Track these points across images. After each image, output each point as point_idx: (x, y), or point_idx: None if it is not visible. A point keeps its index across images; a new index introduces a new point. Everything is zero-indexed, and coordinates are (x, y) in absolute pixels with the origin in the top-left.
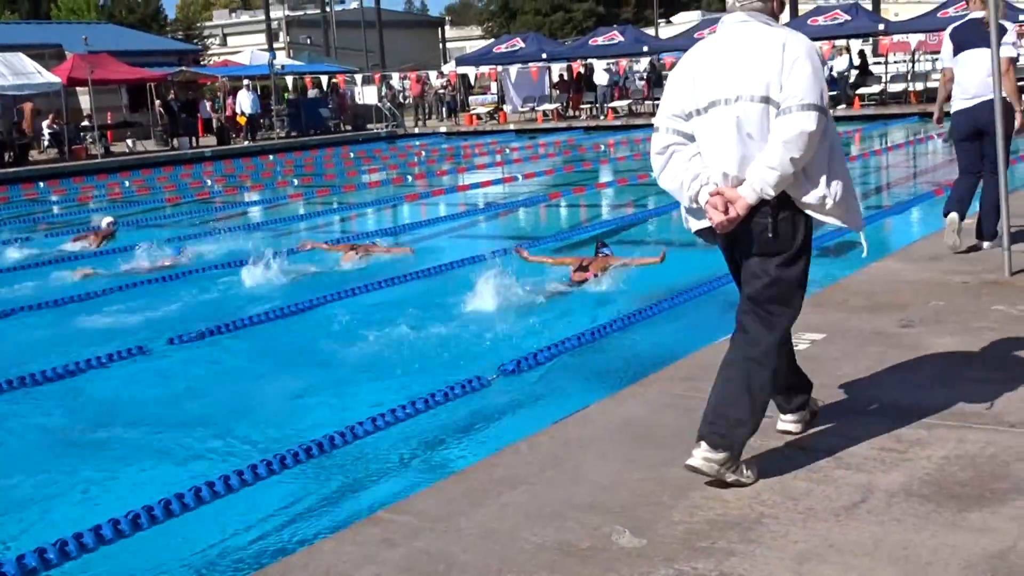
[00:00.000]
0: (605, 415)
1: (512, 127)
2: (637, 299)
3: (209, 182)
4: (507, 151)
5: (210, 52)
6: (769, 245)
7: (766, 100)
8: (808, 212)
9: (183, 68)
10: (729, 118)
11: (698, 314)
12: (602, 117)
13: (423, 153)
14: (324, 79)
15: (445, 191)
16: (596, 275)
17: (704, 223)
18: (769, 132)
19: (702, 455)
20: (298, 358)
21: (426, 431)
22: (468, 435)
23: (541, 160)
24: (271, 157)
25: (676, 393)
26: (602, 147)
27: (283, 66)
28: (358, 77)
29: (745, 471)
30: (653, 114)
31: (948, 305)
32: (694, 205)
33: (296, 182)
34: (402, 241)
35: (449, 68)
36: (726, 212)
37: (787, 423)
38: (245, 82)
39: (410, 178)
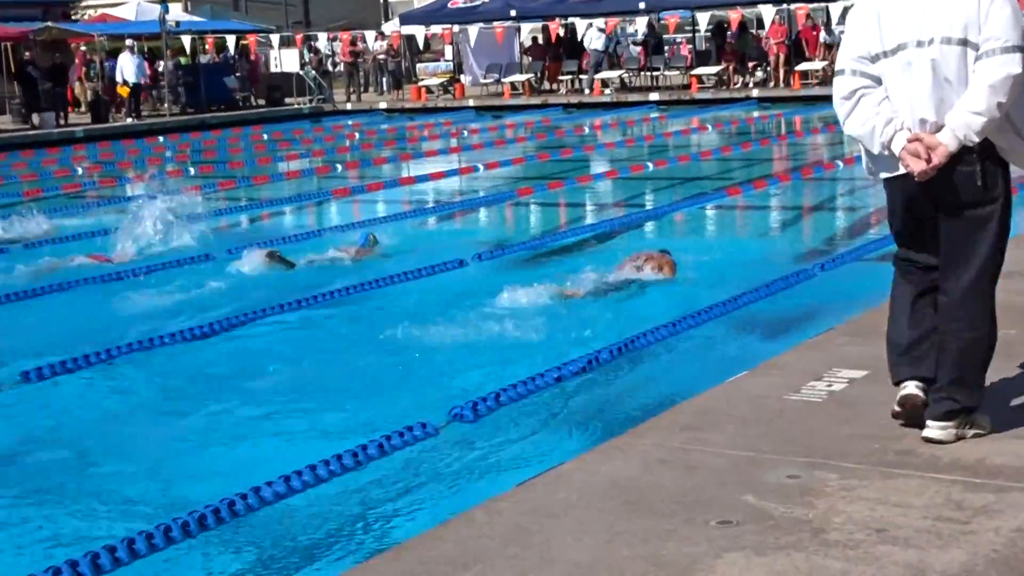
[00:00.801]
0: (585, 474)
1: (471, 103)
2: (632, 323)
3: (80, 170)
4: (465, 134)
5: (84, 3)
6: (976, 194)
7: (964, 43)
8: (1008, 159)
9: (48, 24)
10: (924, 61)
11: (705, 345)
12: (587, 92)
13: (357, 136)
14: (231, 40)
15: (384, 185)
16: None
17: (896, 171)
18: (968, 76)
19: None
20: (192, 395)
21: (355, 493)
22: (409, 499)
23: (508, 146)
24: (161, 139)
25: (675, 446)
26: (586, 130)
27: (178, 23)
28: (274, 38)
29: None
30: (652, 88)
31: (1020, 335)
32: (886, 152)
33: (193, 171)
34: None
35: (391, 27)
36: (927, 160)
37: (933, 429)
38: (128, 42)
39: (340, 168)
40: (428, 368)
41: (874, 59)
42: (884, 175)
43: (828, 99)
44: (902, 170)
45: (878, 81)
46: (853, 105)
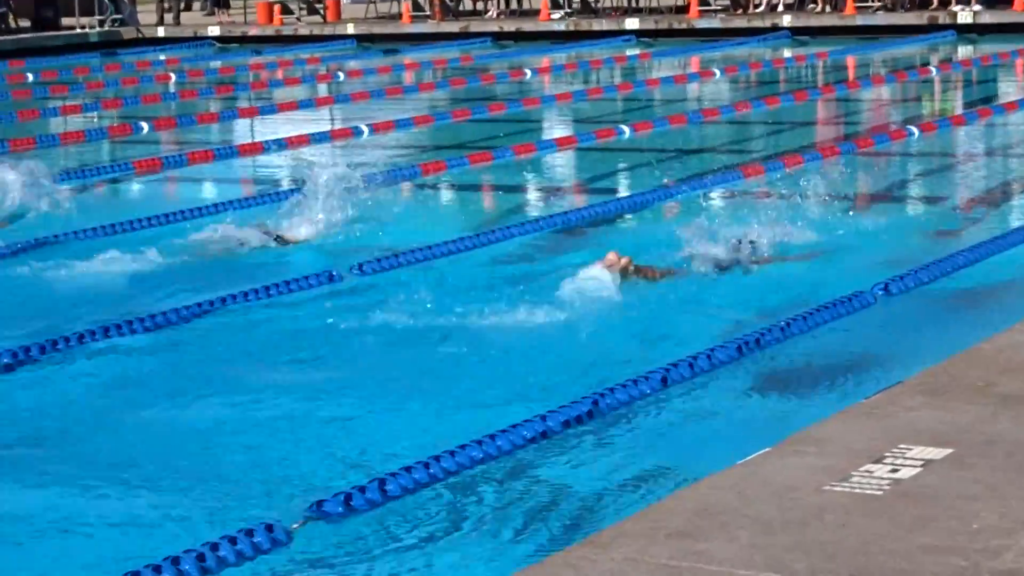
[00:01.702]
0: None
1: (351, 30)
2: (597, 365)
3: None
4: (341, 78)
5: None
6: None
7: None
8: None
9: None
10: None
11: (706, 403)
12: (529, 14)
13: (173, 78)
14: None
15: (215, 155)
16: None
17: None
18: None
19: None
20: None
21: None
22: None
23: (408, 98)
24: None
25: (659, 563)
26: (528, 74)
27: None
28: None
29: None
30: (630, 10)
31: None
32: None
33: None
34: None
35: None
36: None
37: None
38: None
39: (145, 127)
40: (280, 443)
41: None
42: None
43: (896, 31)
44: None
45: None
46: None
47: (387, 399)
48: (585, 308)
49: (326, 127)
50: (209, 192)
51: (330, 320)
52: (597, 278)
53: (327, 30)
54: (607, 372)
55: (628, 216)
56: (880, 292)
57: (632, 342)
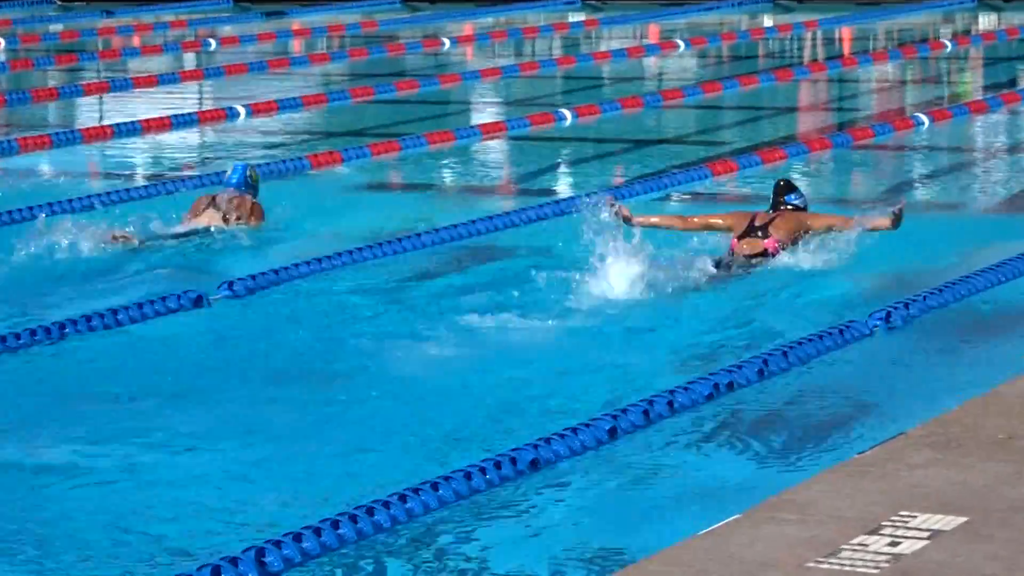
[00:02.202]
0: None
1: None
2: (495, 414)
3: None
4: (212, 46)
5: None
6: None
7: None
8: None
9: None
10: None
11: (654, 455)
12: None
13: (2, 43)
14: None
15: (53, 140)
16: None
17: None
18: None
19: None
20: None
21: None
22: None
23: (295, 70)
24: None
25: None
26: (446, 43)
27: None
28: None
29: None
30: None
31: None
32: None
33: None
34: None
35: None
36: None
37: None
38: None
39: None
40: (124, 499)
41: None
42: None
43: None
44: None
45: None
46: None
47: (255, 449)
48: (499, 345)
49: (193, 107)
50: (44, 187)
51: (194, 350)
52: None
53: None
54: (539, 419)
55: (566, 224)
56: (879, 322)
57: (579, 379)
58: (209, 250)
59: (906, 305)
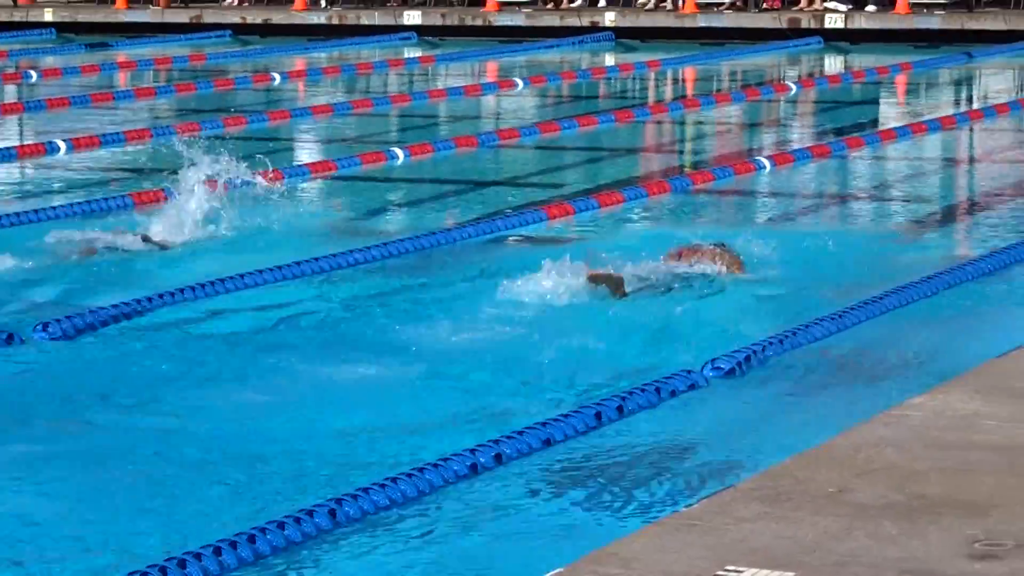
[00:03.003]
0: None
1: (49, 17)
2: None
3: None
4: (32, 77)
5: None
6: None
7: None
8: None
9: None
10: None
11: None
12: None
13: None
14: None
15: None
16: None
17: None
18: None
19: None
20: None
21: None
22: None
23: (119, 104)
24: None
25: None
26: (276, 79)
27: None
28: None
29: None
30: (412, 1)
31: None
32: None
33: None
34: None
35: None
36: None
37: None
38: None
39: None
40: None
41: None
42: None
43: (748, 36)
44: None
45: None
46: None
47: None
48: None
49: (12, 141)
50: None
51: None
52: None
53: (17, 15)
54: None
55: (396, 268)
56: (711, 372)
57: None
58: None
59: (743, 357)
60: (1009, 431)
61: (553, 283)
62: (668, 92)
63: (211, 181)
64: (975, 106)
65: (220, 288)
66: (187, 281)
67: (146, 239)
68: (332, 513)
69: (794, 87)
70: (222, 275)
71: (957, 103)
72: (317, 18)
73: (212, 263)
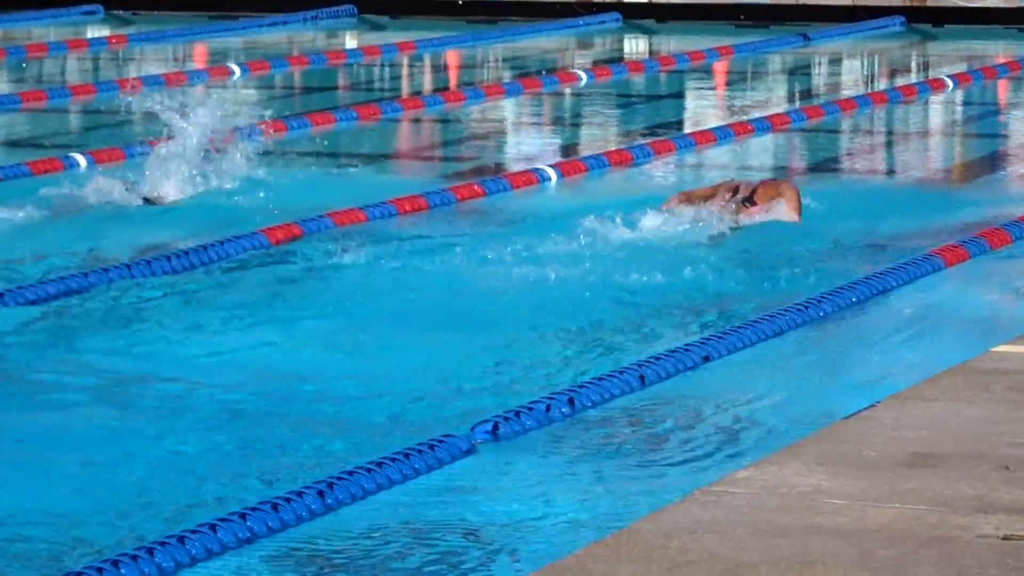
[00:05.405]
0: None
1: None
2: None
3: None
4: None
5: None
6: None
7: None
8: None
9: None
10: None
11: None
12: None
13: None
14: None
15: None
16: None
17: None
18: None
19: None
20: None
21: None
22: None
23: None
24: None
25: None
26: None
27: None
28: None
29: None
30: None
31: None
32: None
33: None
34: None
35: None
36: None
37: None
38: None
39: None
40: None
41: None
42: None
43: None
44: None
45: None
46: None
47: None
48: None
49: None
50: None
51: None
52: None
53: None
54: None
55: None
56: (484, 435)
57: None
58: None
59: (518, 415)
60: (858, 512)
61: None
62: (425, 82)
63: None
64: (814, 101)
65: None
66: None
67: None
68: None
69: (584, 76)
70: None
71: (791, 98)
72: None
73: None
